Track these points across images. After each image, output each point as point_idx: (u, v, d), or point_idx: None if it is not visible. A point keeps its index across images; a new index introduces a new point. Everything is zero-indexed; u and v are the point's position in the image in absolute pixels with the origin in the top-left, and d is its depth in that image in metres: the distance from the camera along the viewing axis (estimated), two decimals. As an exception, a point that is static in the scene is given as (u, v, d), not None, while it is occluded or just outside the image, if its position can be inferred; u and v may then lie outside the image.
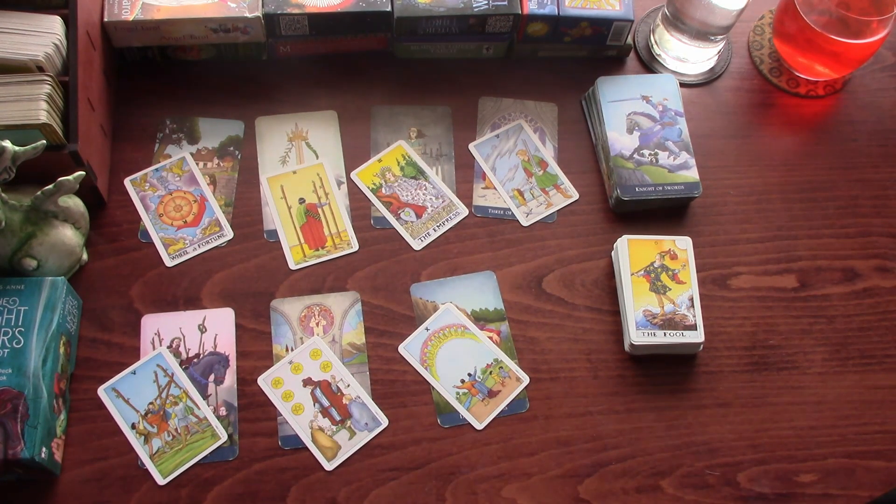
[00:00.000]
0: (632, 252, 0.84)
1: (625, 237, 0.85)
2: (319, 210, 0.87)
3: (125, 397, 0.77)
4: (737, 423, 0.81)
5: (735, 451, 0.80)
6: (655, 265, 0.84)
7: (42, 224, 0.77)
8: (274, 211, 0.87)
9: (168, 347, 0.80)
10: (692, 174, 0.89)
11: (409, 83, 0.95)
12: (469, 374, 0.81)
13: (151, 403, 0.77)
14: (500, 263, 0.86)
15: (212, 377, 0.79)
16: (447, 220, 0.88)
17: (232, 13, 0.87)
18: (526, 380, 0.81)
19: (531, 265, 0.87)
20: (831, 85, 1.00)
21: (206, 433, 0.76)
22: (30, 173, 0.74)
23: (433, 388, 0.80)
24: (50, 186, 0.75)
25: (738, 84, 1.00)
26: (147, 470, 0.75)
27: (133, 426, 0.76)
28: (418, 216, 0.88)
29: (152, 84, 0.93)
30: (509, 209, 0.89)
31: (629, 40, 0.97)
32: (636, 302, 0.82)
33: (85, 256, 0.82)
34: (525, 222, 0.89)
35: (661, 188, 0.88)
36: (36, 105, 0.74)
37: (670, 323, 0.81)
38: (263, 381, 0.79)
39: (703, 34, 0.94)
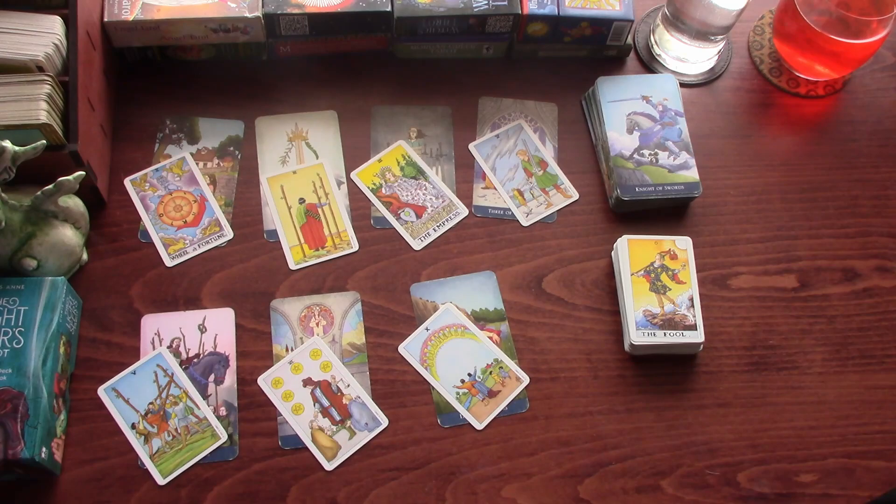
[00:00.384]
0: (632, 252, 0.84)
1: (625, 237, 0.85)
2: (319, 210, 0.87)
3: (125, 397, 0.77)
4: (737, 423, 0.81)
5: (735, 451, 0.80)
6: (655, 265, 0.84)
7: (42, 224, 0.77)
8: (274, 211, 0.87)
9: (168, 347, 0.80)
10: (692, 174, 0.89)
11: (409, 83, 0.95)
12: (469, 374, 0.81)
13: (151, 403, 0.77)
14: (500, 263, 0.86)
15: (212, 377, 0.79)
16: (447, 220, 0.88)
17: (232, 13, 0.87)
18: (526, 380, 0.81)
19: (531, 265, 0.87)
20: (831, 85, 1.00)
21: (206, 433, 0.76)
22: (30, 173, 0.74)
23: (433, 388, 0.80)
24: (50, 186, 0.75)
25: (738, 84, 1.00)
26: (147, 470, 0.75)
27: (133, 426, 0.76)
28: (418, 216, 0.88)
29: (152, 84, 0.93)
30: (509, 209, 0.89)
31: (629, 40, 0.97)
32: (636, 302, 0.82)
33: (85, 256, 0.82)
34: (525, 222, 0.89)
35: (661, 188, 0.88)
36: (36, 105, 0.74)
37: (670, 323, 0.81)
38: (263, 381, 0.79)
39: (703, 34, 0.94)
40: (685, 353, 0.83)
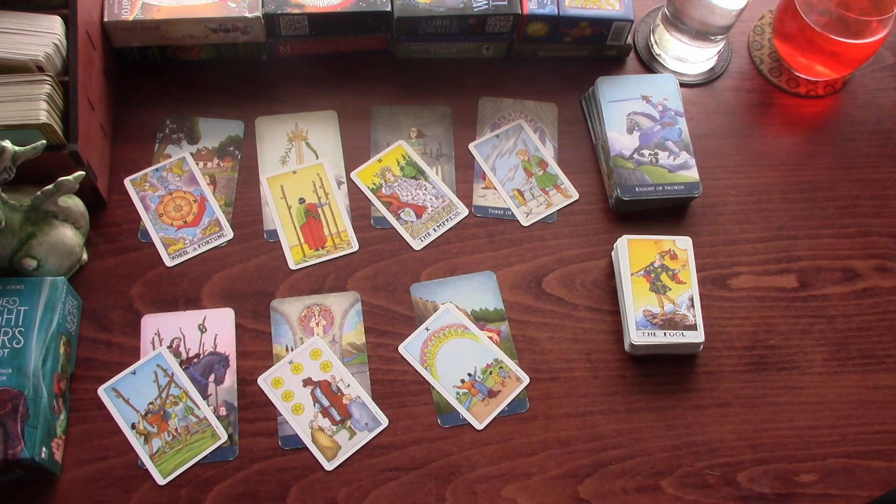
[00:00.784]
0: (632, 252, 0.84)
1: (625, 237, 0.85)
2: (319, 210, 0.87)
3: (125, 397, 0.77)
4: (737, 423, 0.81)
5: (735, 451, 0.80)
6: (655, 265, 0.84)
7: (42, 224, 0.77)
8: (274, 211, 0.87)
9: (168, 347, 0.80)
10: (692, 174, 0.89)
11: (409, 83, 0.95)
12: (469, 374, 0.81)
13: (151, 403, 0.77)
14: (500, 263, 0.86)
15: (212, 377, 0.79)
16: (447, 220, 0.88)
17: (232, 13, 0.87)
18: (526, 380, 0.81)
19: (531, 265, 0.87)
20: (831, 85, 1.00)
21: (206, 433, 0.76)
22: (30, 173, 0.74)
23: (433, 388, 0.80)
24: (50, 186, 0.75)
25: (738, 84, 1.00)
26: (147, 470, 0.75)
27: (133, 426, 0.76)
28: (418, 216, 0.88)
29: (152, 84, 0.93)
30: (509, 209, 0.89)
31: (629, 40, 0.97)
32: (636, 302, 0.82)
33: (85, 256, 0.82)
34: (525, 222, 0.89)
35: (661, 188, 0.88)
36: (36, 105, 0.74)
37: (670, 323, 0.81)
38: (263, 381, 0.79)
39: (703, 34, 0.94)
40: (685, 353, 0.83)
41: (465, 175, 0.91)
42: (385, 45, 0.95)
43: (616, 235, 0.86)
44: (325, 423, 0.78)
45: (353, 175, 0.90)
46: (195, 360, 0.79)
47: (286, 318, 0.82)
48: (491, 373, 0.81)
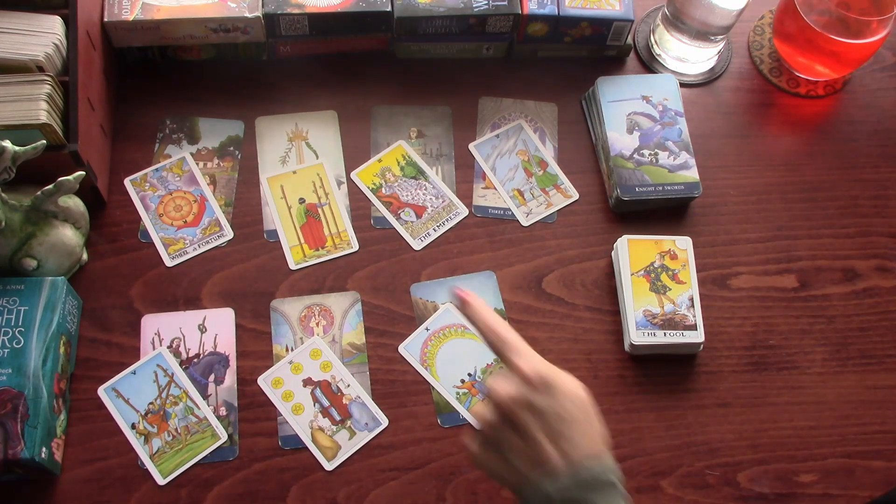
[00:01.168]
0: (632, 252, 0.84)
1: (625, 237, 0.85)
2: (319, 210, 0.87)
3: (125, 397, 0.77)
4: (737, 423, 0.81)
5: (735, 451, 0.80)
6: (655, 265, 0.84)
7: (42, 224, 0.77)
8: (274, 211, 0.87)
9: (168, 347, 0.80)
10: (692, 174, 0.89)
11: (409, 83, 0.95)
12: (469, 374, 0.81)
13: (151, 403, 0.77)
14: (500, 263, 0.86)
15: (212, 377, 0.79)
16: (447, 220, 0.88)
17: (232, 13, 0.87)
18: (526, 380, 0.81)
19: (531, 265, 0.87)
20: (831, 85, 1.00)
21: (206, 433, 0.76)
22: (30, 173, 0.74)
23: (433, 388, 0.80)
24: (50, 186, 0.75)
25: (738, 84, 1.00)
26: (147, 470, 0.75)
27: (133, 426, 0.76)
28: (418, 216, 0.88)
29: (152, 84, 0.93)
30: (509, 209, 0.89)
31: (629, 40, 0.97)
32: (636, 302, 0.82)
33: (85, 256, 0.82)
34: (525, 222, 0.89)
35: (661, 188, 0.88)
36: (36, 105, 0.74)
37: (670, 323, 0.81)
38: (263, 381, 0.79)
39: (703, 34, 0.94)
40: (685, 353, 0.83)
41: (465, 175, 0.91)
42: (385, 45, 0.95)
43: (616, 235, 0.86)
44: (325, 423, 0.78)
45: (353, 175, 0.90)
46: (195, 360, 0.79)
47: (286, 318, 0.82)
48: (491, 373, 0.81)
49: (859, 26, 0.90)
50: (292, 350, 0.81)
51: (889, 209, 0.93)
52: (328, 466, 0.76)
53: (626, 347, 0.82)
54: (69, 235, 0.79)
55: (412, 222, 0.88)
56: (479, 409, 0.63)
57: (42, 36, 0.78)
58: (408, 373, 0.81)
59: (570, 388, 0.62)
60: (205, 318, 0.81)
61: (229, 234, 0.86)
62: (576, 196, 0.91)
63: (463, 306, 0.64)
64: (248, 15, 0.88)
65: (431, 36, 0.93)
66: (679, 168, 0.89)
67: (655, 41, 0.99)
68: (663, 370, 0.83)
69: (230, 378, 0.79)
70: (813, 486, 0.79)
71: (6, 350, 0.72)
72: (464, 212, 0.89)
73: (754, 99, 0.99)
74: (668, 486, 0.78)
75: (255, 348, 0.81)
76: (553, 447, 0.60)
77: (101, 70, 0.86)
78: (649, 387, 0.82)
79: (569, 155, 0.93)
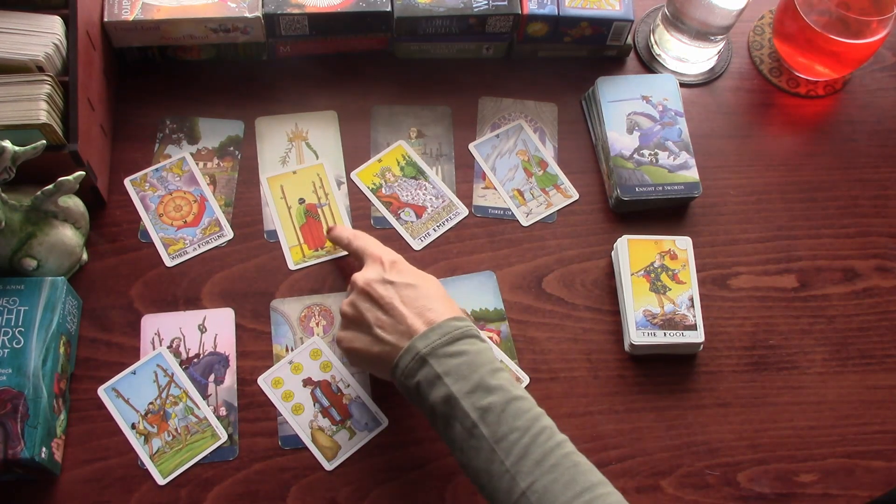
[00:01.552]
0: (632, 252, 0.84)
1: (625, 237, 0.85)
2: (319, 210, 0.87)
3: (125, 397, 0.77)
4: (737, 423, 0.81)
5: (735, 451, 0.80)
6: (655, 265, 0.84)
7: (42, 224, 0.77)
8: (274, 211, 0.87)
9: (168, 347, 0.80)
10: (692, 174, 0.89)
11: (409, 83, 0.95)
12: (469, 374, 0.81)
13: (151, 403, 0.77)
14: (500, 263, 0.86)
15: (212, 377, 0.79)
16: (447, 220, 0.88)
17: (232, 13, 0.87)
18: (526, 380, 0.81)
19: (531, 265, 0.87)
20: (831, 85, 1.00)
21: (206, 433, 0.76)
22: (30, 173, 0.74)
23: (433, 388, 0.80)
24: (50, 186, 0.75)
25: (738, 84, 1.00)
26: (147, 470, 0.75)
27: (133, 426, 0.76)
28: (418, 216, 0.88)
29: (152, 84, 0.93)
30: (509, 209, 0.89)
31: (629, 40, 0.97)
32: (636, 302, 0.82)
33: (85, 256, 0.82)
34: (525, 222, 0.89)
35: (661, 188, 0.88)
36: (36, 105, 0.74)
37: (670, 323, 0.81)
38: (263, 381, 0.79)
39: (703, 34, 0.94)
40: (685, 353, 0.83)
41: (465, 175, 0.91)
42: (385, 45, 0.95)
43: (616, 235, 0.86)
44: (325, 423, 0.78)
45: (353, 175, 0.90)
46: (195, 360, 0.79)
47: (286, 318, 0.82)
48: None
49: (859, 26, 0.90)
50: (292, 350, 0.81)
51: (889, 209, 0.93)
52: (328, 466, 0.76)
53: (626, 347, 0.82)
54: (69, 235, 0.79)
55: (412, 222, 0.88)
56: (343, 301, 0.72)
57: (42, 36, 0.78)
58: (408, 373, 0.81)
59: (419, 270, 0.72)
60: (205, 318, 0.81)
61: (229, 234, 0.86)
62: (576, 196, 0.91)
63: (328, 233, 0.80)
64: (248, 15, 0.88)
65: (431, 36, 0.93)
66: (679, 168, 0.89)
67: (655, 41, 0.99)
68: (663, 370, 0.83)
69: (230, 378, 0.79)
70: (813, 486, 0.79)
71: (6, 350, 0.72)
72: (464, 212, 0.89)
73: (754, 99, 0.99)
74: (668, 486, 0.78)
75: (255, 348, 0.81)
76: (417, 315, 0.67)
77: (101, 70, 0.86)
78: (649, 387, 0.82)
79: (569, 155, 0.93)
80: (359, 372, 0.80)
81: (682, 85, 0.97)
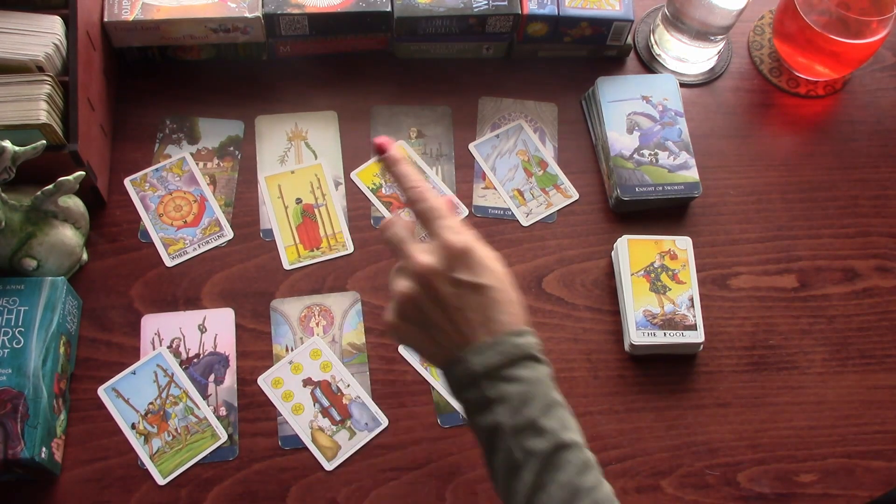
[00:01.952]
0: (632, 252, 0.84)
1: (625, 237, 0.85)
2: (316, 211, 0.87)
3: (125, 397, 0.77)
4: (737, 423, 0.81)
5: (735, 451, 0.80)
6: (655, 265, 0.84)
7: (42, 224, 0.77)
8: (270, 210, 0.87)
9: (168, 347, 0.80)
10: (692, 174, 0.89)
11: (409, 83, 0.95)
12: (469, 374, 0.81)
13: (151, 403, 0.77)
14: (500, 263, 0.86)
15: (212, 377, 0.79)
16: (447, 220, 0.88)
17: (232, 13, 0.87)
18: (526, 380, 0.81)
19: (531, 265, 0.87)
20: (831, 85, 1.00)
21: (206, 433, 0.76)
22: (30, 173, 0.74)
23: (433, 388, 0.80)
24: (50, 186, 0.75)
25: (738, 84, 1.00)
26: (147, 470, 0.75)
27: (133, 426, 0.76)
28: (418, 216, 0.88)
29: (152, 84, 0.93)
30: (509, 209, 0.89)
31: (629, 40, 0.97)
32: (636, 302, 0.82)
33: (85, 256, 0.82)
34: (525, 222, 0.89)
35: (661, 188, 0.88)
36: (36, 105, 0.74)
37: (670, 323, 0.81)
38: (263, 381, 0.79)
39: (703, 34, 0.94)
40: (685, 353, 0.83)
41: (465, 175, 0.91)
42: (385, 45, 0.95)
43: (616, 235, 0.86)
44: (325, 423, 0.78)
45: (353, 175, 0.90)
46: (195, 360, 0.79)
47: (286, 318, 0.82)
48: (491, 373, 0.81)
49: (859, 26, 0.90)
50: (292, 350, 0.81)
51: (889, 209, 0.93)
52: (328, 466, 0.76)
53: (626, 347, 0.82)
54: (69, 235, 0.79)
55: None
56: (399, 280, 0.61)
57: (42, 36, 0.78)
58: (408, 373, 0.81)
59: (492, 263, 0.61)
60: (205, 318, 0.81)
61: (229, 234, 0.86)
62: (576, 196, 0.91)
63: (384, 159, 0.62)
64: (248, 15, 0.88)
65: (431, 36, 0.93)
66: (679, 168, 0.89)
67: (655, 41, 0.99)
68: (663, 370, 0.83)
69: (230, 378, 0.79)
70: (813, 486, 0.79)
71: (6, 350, 0.72)
72: (464, 212, 0.89)
73: (754, 99, 0.99)
74: (668, 486, 0.78)
75: (255, 348, 0.81)
76: (480, 324, 0.59)
77: (101, 70, 0.86)
78: (649, 387, 0.82)
79: (569, 155, 0.93)
80: (359, 372, 0.80)
81: (682, 85, 0.97)
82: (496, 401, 0.58)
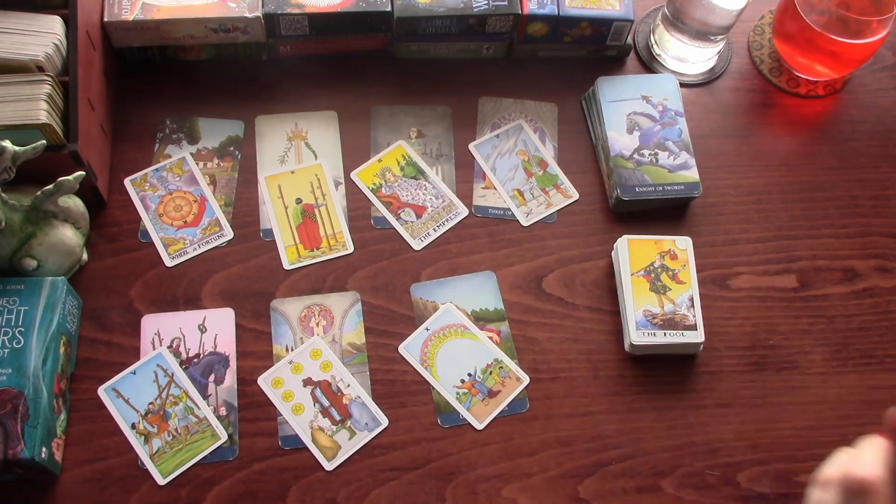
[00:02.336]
0: (632, 252, 0.84)
1: (625, 237, 0.85)
2: (316, 211, 0.87)
3: (125, 397, 0.77)
4: (737, 423, 0.81)
5: (735, 451, 0.80)
6: (655, 265, 0.84)
7: (42, 224, 0.77)
8: (270, 210, 0.87)
9: (168, 347, 0.80)
10: (692, 174, 0.89)
11: (409, 83, 0.95)
12: (469, 374, 0.81)
13: (151, 403, 0.77)
14: (500, 263, 0.86)
15: (212, 377, 0.79)
16: (447, 220, 0.88)
17: (232, 13, 0.87)
18: (526, 380, 0.81)
19: (531, 265, 0.87)
20: (831, 85, 1.00)
21: (206, 433, 0.76)
22: (30, 173, 0.74)
23: (433, 388, 0.80)
24: (50, 186, 0.75)
25: (738, 84, 1.00)
26: (147, 470, 0.75)
27: (133, 426, 0.76)
28: (418, 216, 0.88)
29: (152, 84, 0.93)
30: (509, 209, 0.89)
31: (629, 40, 0.97)
32: (636, 302, 0.82)
33: (85, 256, 0.82)
34: (525, 222, 0.89)
35: (661, 188, 0.88)
36: (36, 105, 0.74)
37: (670, 323, 0.81)
38: (263, 381, 0.79)
39: (703, 34, 0.94)
40: (685, 353, 0.83)
41: (465, 175, 0.91)
42: (385, 45, 0.95)
43: (616, 235, 0.86)
44: (325, 423, 0.78)
45: (353, 175, 0.90)
46: (195, 360, 0.79)
47: (286, 318, 0.82)
48: (491, 373, 0.81)
49: (859, 26, 0.90)
50: (292, 350, 0.81)
51: (889, 209, 0.93)
52: (328, 466, 0.76)
53: (626, 347, 0.82)
54: (69, 235, 0.79)
55: (412, 222, 0.88)
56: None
57: (42, 36, 0.78)
58: (408, 373, 0.81)
59: None
60: (205, 318, 0.81)
61: (229, 234, 0.86)
62: (576, 196, 0.91)
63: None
64: (248, 15, 0.88)
65: (431, 36, 0.93)
66: (679, 168, 0.89)
67: (655, 41, 0.99)
68: (663, 370, 0.83)
69: (230, 378, 0.79)
70: (813, 486, 0.79)
71: (6, 350, 0.72)
72: (464, 212, 0.89)
73: (754, 99, 0.99)
74: (668, 486, 0.78)
75: (255, 348, 0.81)
76: None
77: (101, 70, 0.86)
78: (649, 387, 0.82)
79: (569, 155, 0.93)
80: (359, 372, 0.80)
81: (682, 85, 0.97)
82: None
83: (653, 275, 0.83)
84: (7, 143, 0.70)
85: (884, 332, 0.86)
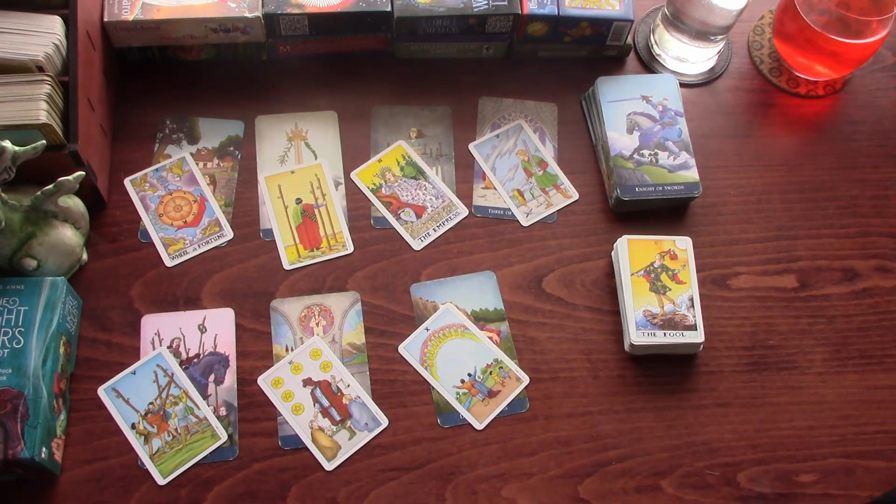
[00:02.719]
0: (632, 252, 0.84)
1: (625, 237, 0.85)
2: (316, 211, 0.87)
3: (125, 397, 0.77)
4: (737, 423, 0.81)
5: (735, 451, 0.80)
6: (655, 265, 0.84)
7: (42, 224, 0.77)
8: (270, 210, 0.87)
9: (168, 347, 0.80)
10: (692, 174, 0.89)
11: (409, 83, 0.95)
12: (469, 374, 0.81)
13: (151, 403, 0.77)
14: (500, 263, 0.86)
15: (212, 377, 0.79)
16: (447, 220, 0.88)
17: (232, 13, 0.87)
18: (526, 380, 0.81)
19: (531, 265, 0.87)
20: (831, 85, 1.00)
21: (206, 433, 0.76)
22: (30, 173, 0.74)
23: (433, 388, 0.80)
24: (50, 186, 0.75)
25: (738, 84, 1.00)
26: (147, 470, 0.75)
27: (133, 426, 0.76)
28: (418, 216, 0.88)
29: (152, 84, 0.93)
30: (509, 209, 0.89)
31: (629, 40, 0.97)
32: (636, 302, 0.82)
33: (85, 256, 0.82)
34: (525, 222, 0.89)
35: (661, 188, 0.88)
36: (36, 105, 0.74)
37: (670, 323, 0.81)
38: (263, 381, 0.79)
39: (703, 34, 0.94)
40: (685, 353, 0.83)
41: (465, 175, 0.91)
42: (385, 45, 0.95)
43: (616, 235, 0.86)
44: (325, 423, 0.78)
45: (353, 175, 0.90)
46: (195, 360, 0.79)
47: (286, 318, 0.82)
48: (491, 373, 0.81)
49: (859, 26, 0.90)
50: (292, 350, 0.81)
51: (889, 209, 0.93)
52: (328, 466, 0.76)
53: (626, 347, 0.82)
54: (69, 235, 0.79)
55: (412, 222, 0.88)
56: None
57: (42, 36, 0.78)
58: (408, 373, 0.81)
59: None
60: (205, 318, 0.81)
61: (229, 234, 0.86)
62: (576, 196, 0.91)
63: None
64: (248, 15, 0.88)
65: (431, 36, 0.93)
66: (679, 168, 0.89)
67: (655, 41, 0.99)
68: (663, 370, 0.83)
69: (230, 378, 0.79)
70: (813, 486, 0.79)
71: (6, 350, 0.72)
72: (464, 212, 0.89)
73: (754, 99, 0.99)
74: (668, 486, 0.78)
75: (255, 348, 0.81)
76: None
77: (101, 70, 0.86)
78: (649, 387, 0.82)
79: (569, 155, 0.93)
80: (359, 372, 0.80)
81: (682, 85, 0.97)
82: None
83: (653, 275, 0.83)
84: (7, 143, 0.70)
85: (884, 332, 0.86)
